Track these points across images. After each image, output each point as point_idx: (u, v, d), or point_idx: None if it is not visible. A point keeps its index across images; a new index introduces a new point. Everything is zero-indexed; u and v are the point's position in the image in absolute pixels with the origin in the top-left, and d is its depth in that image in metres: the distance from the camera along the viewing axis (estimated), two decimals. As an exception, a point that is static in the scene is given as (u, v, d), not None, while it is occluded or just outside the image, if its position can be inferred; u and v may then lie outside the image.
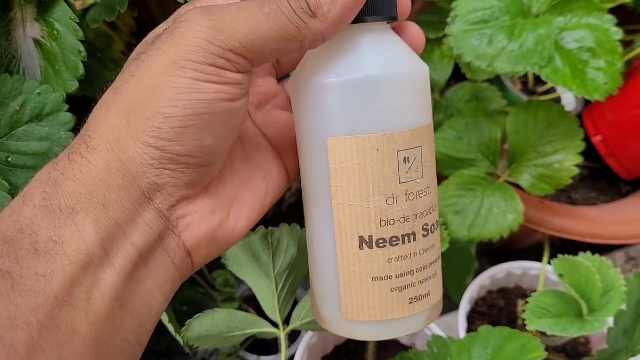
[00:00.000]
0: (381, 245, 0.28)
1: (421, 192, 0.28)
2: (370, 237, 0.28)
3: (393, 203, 0.28)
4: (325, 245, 0.29)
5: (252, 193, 0.31)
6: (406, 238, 0.28)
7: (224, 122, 0.26)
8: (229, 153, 0.28)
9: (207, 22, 0.25)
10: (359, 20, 0.27)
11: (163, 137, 0.25)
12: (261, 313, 0.43)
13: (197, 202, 0.28)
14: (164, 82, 0.24)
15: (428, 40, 0.54)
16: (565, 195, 0.59)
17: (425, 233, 0.29)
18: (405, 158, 0.28)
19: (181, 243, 0.27)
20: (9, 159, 0.37)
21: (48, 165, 0.25)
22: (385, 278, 0.28)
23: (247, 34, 0.24)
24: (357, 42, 0.28)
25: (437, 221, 0.30)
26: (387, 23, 0.29)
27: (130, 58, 0.28)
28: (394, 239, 0.28)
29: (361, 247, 0.28)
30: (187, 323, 0.40)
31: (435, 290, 0.30)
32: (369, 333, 0.30)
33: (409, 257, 0.28)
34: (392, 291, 0.28)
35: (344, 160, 0.27)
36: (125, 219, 0.25)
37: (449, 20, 0.44)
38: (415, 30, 0.31)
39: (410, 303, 0.29)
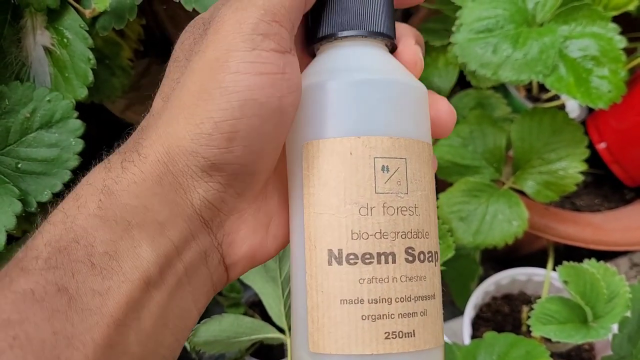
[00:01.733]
0: (352, 261, 0.25)
1: (404, 209, 0.25)
2: (340, 250, 0.25)
3: (367, 214, 0.25)
4: (297, 262, 0.27)
5: None
6: (382, 257, 0.25)
7: (274, 124, 0.25)
8: (275, 161, 0.27)
9: (231, 8, 0.24)
10: (350, 34, 0.27)
11: (212, 145, 0.24)
12: (266, 318, 0.43)
13: (243, 217, 0.27)
14: (211, 83, 0.24)
15: (433, 48, 0.54)
16: (569, 201, 0.59)
17: (410, 258, 0.25)
18: (383, 167, 0.25)
19: (222, 260, 0.26)
20: (19, 165, 0.37)
21: (100, 167, 0.25)
22: (356, 301, 0.24)
23: (266, 2, 0.24)
24: (348, 53, 0.27)
25: (432, 252, 0.26)
26: (386, 45, 0.28)
27: (170, 62, 0.28)
28: (367, 256, 0.25)
29: (330, 263, 0.25)
30: (194, 328, 0.40)
31: (425, 334, 0.25)
32: None
33: (386, 280, 0.25)
34: (362, 319, 0.24)
35: (315, 165, 0.26)
36: (179, 237, 0.24)
37: (454, 28, 0.44)
38: (413, 56, 0.29)
39: (386, 338, 0.24)
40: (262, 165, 0.26)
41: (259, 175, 0.26)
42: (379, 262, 0.25)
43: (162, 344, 0.24)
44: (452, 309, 0.64)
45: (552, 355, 0.37)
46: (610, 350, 0.40)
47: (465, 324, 0.50)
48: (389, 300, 0.25)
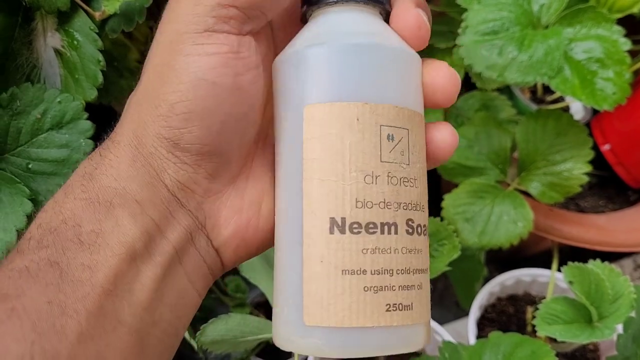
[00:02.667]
0: (355, 230, 0.24)
1: (406, 180, 0.25)
2: (343, 219, 0.24)
3: (372, 182, 0.24)
4: (290, 231, 0.26)
5: None
6: (385, 227, 0.24)
7: (232, 103, 0.25)
8: (249, 142, 0.27)
9: None
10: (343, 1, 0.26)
11: (172, 126, 0.24)
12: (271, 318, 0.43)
13: (222, 199, 0.27)
14: (167, 66, 0.24)
15: (438, 50, 0.54)
16: (574, 203, 0.59)
17: (410, 230, 0.25)
18: (389, 135, 0.25)
19: (209, 242, 0.27)
20: (30, 166, 0.38)
21: (85, 160, 0.26)
22: (359, 272, 0.24)
23: None
24: (345, 18, 0.26)
25: (425, 225, 0.26)
26: (380, 14, 0.28)
27: None
28: (371, 226, 0.24)
29: (331, 231, 0.24)
30: (201, 327, 0.40)
31: (420, 307, 0.25)
32: (334, 345, 0.24)
33: (388, 251, 0.24)
34: (365, 290, 0.24)
35: (319, 130, 0.25)
36: (158, 216, 0.25)
37: (459, 30, 0.45)
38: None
39: (387, 310, 0.24)
40: (228, 144, 0.26)
41: (226, 155, 0.26)
42: (382, 232, 0.24)
43: (160, 318, 0.25)
44: (456, 310, 0.64)
45: (557, 355, 0.37)
46: (615, 350, 0.41)
47: (470, 324, 0.50)
48: (391, 271, 0.24)
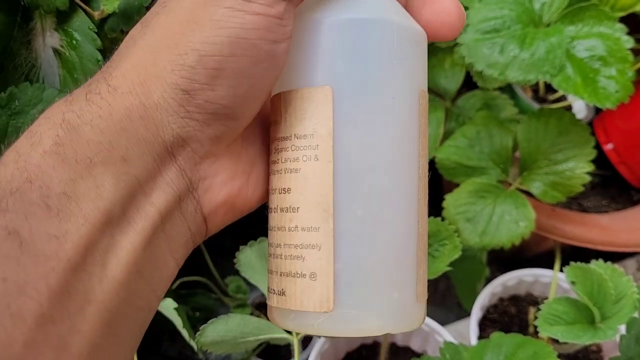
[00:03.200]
0: None
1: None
2: None
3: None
4: (399, 208, 0.25)
5: None
6: None
7: (264, 69, 0.23)
8: (259, 108, 0.25)
9: None
10: None
11: (195, 79, 0.22)
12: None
13: (219, 162, 0.25)
14: (201, 13, 0.22)
15: (439, 49, 0.54)
16: (577, 202, 0.59)
17: None
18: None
19: (198, 208, 0.25)
20: (29, 166, 0.37)
21: (60, 102, 0.22)
22: None
23: None
24: None
25: None
26: None
27: None
28: None
29: None
30: (201, 328, 0.40)
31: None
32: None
33: None
34: None
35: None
36: (146, 176, 0.22)
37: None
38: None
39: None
40: (245, 110, 0.24)
41: (240, 120, 0.24)
42: None
43: (137, 294, 0.22)
44: (458, 310, 0.64)
45: (559, 356, 0.37)
46: (618, 351, 0.40)
47: (472, 325, 0.50)
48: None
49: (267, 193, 0.27)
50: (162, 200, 0.23)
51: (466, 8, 0.46)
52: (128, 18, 0.40)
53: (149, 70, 0.22)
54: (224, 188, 0.25)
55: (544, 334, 0.39)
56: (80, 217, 0.20)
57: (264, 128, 0.28)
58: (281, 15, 0.23)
